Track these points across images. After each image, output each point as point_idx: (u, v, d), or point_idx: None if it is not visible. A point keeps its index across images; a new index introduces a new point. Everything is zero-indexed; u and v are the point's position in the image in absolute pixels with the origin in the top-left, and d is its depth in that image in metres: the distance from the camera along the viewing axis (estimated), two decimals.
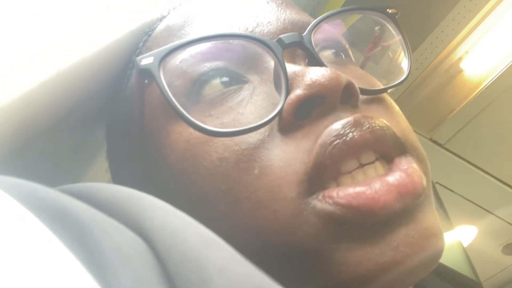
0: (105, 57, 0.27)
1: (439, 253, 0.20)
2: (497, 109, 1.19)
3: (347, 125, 0.20)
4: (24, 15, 0.23)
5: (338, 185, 0.20)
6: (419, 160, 0.23)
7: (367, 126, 0.20)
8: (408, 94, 1.22)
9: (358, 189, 0.19)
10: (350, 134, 0.20)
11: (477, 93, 1.18)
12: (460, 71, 1.18)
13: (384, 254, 0.19)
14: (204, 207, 0.22)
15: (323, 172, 0.20)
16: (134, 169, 0.28)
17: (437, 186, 1.32)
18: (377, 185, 0.19)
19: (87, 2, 0.27)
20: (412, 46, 1.10)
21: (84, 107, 0.29)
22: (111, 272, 0.12)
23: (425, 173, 0.22)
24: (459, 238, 1.08)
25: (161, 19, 0.30)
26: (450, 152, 1.31)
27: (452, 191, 1.36)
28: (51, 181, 0.18)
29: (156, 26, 0.29)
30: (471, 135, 1.25)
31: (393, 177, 0.20)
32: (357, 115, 0.21)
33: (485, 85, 1.16)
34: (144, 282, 0.12)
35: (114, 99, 0.30)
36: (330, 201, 0.19)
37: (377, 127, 0.21)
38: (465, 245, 1.11)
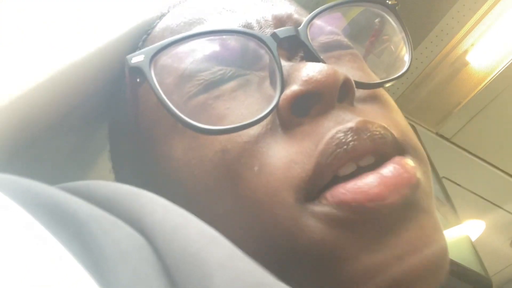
0: (106, 55, 0.27)
1: (443, 259, 0.20)
2: (504, 102, 1.17)
3: (349, 132, 0.20)
4: (23, 14, 0.23)
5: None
6: (418, 159, 0.22)
7: (368, 134, 0.20)
8: (413, 88, 1.21)
9: (348, 185, 0.19)
10: (352, 142, 0.19)
11: (483, 86, 1.17)
12: (466, 64, 1.17)
13: (387, 261, 0.19)
14: (207, 201, 0.22)
15: (321, 177, 0.20)
16: (136, 166, 0.28)
17: (444, 180, 1.31)
18: (368, 179, 0.19)
19: (87, 0, 0.27)
20: (417, 39, 1.09)
21: (85, 106, 0.29)
22: (109, 268, 0.12)
23: (424, 172, 0.22)
24: (467, 232, 1.07)
25: (160, 18, 0.29)
26: (457, 146, 1.30)
27: (459, 185, 1.35)
28: (53, 182, 0.18)
29: (155, 25, 0.29)
30: (478, 128, 1.24)
31: (387, 169, 0.19)
32: (359, 122, 0.20)
33: (492, 78, 1.15)
34: (143, 277, 0.12)
35: (114, 97, 0.30)
36: (325, 202, 0.19)
37: (378, 135, 0.20)
38: (473, 240, 1.10)
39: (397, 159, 0.20)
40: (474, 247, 1.01)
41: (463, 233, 1.04)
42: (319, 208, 0.19)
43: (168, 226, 0.14)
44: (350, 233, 0.19)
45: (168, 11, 0.29)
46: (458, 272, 0.85)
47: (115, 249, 0.13)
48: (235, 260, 0.13)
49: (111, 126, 0.31)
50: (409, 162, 0.20)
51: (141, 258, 0.13)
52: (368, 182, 0.19)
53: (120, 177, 0.31)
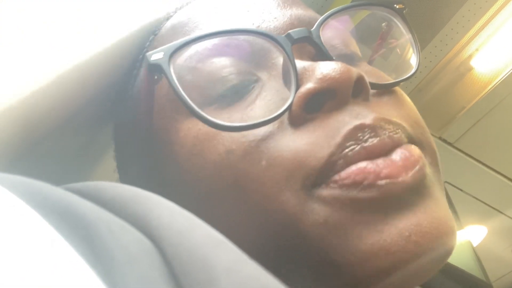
0: (112, 56, 0.27)
1: (451, 245, 0.20)
2: (508, 107, 1.17)
3: (367, 130, 0.20)
4: (31, 17, 0.23)
5: None
6: (426, 151, 0.23)
7: (387, 134, 0.20)
8: (417, 92, 1.21)
9: (360, 164, 0.19)
10: (370, 139, 0.20)
11: (487, 91, 1.17)
12: (470, 69, 1.17)
13: (396, 243, 0.18)
14: (212, 203, 0.22)
15: (333, 168, 0.20)
16: (142, 167, 0.28)
17: (446, 185, 1.30)
18: (379, 160, 0.19)
19: (93, 1, 0.27)
20: (422, 44, 1.09)
21: (92, 106, 0.30)
22: (117, 271, 0.12)
23: (431, 164, 0.22)
24: (469, 238, 1.07)
25: (167, 18, 0.30)
26: (460, 151, 1.29)
27: (461, 190, 1.35)
28: (59, 181, 0.18)
29: (163, 26, 0.29)
30: (481, 133, 1.24)
31: (395, 154, 0.20)
32: (376, 118, 0.20)
33: (496, 83, 1.14)
34: (150, 281, 0.12)
35: (121, 98, 0.30)
36: (335, 185, 0.19)
37: (395, 133, 0.21)
38: (474, 245, 1.10)
39: (404, 145, 0.21)
40: (475, 253, 1.01)
41: (464, 239, 1.03)
42: (326, 191, 0.19)
43: (175, 229, 0.14)
44: (355, 214, 0.19)
45: (176, 12, 0.30)
46: (459, 277, 0.85)
47: (123, 253, 0.13)
48: (241, 265, 0.13)
49: (117, 126, 0.32)
50: (415, 148, 0.21)
51: (148, 262, 0.13)
52: (379, 164, 0.19)
53: (124, 177, 0.32)
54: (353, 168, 0.19)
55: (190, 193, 0.23)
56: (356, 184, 0.19)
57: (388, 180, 0.19)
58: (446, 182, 1.31)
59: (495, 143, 1.26)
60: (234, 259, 0.13)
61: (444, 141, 1.28)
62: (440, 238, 0.19)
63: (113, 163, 0.33)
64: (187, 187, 0.23)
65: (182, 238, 0.14)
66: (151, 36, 0.29)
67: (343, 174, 0.19)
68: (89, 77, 0.26)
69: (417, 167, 0.20)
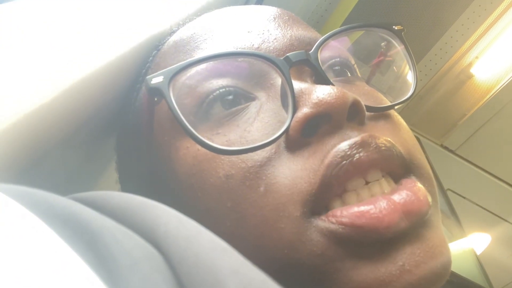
0: (115, 69, 0.28)
1: (445, 271, 0.20)
2: (509, 114, 1.17)
3: (354, 145, 0.20)
4: (37, 28, 0.23)
5: (343, 203, 0.21)
6: (424, 179, 0.23)
7: (374, 146, 0.20)
8: (418, 100, 1.21)
9: (363, 208, 0.19)
10: (357, 155, 0.20)
11: (488, 98, 1.17)
12: (471, 76, 1.17)
13: (390, 273, 0.19)
14: (210, 221, 0.22)
15: (328, 192, 0.20)
16: (142, 180, 0.28)
17: (449, 192, 1.30)
18: (382, 204, 0.19)
19: (97, 15, 0.27)
20: (421, 52, 1.10)
21: (96, 119, 0.30)
22: (120, 276, 0.12)
23: (431, 192, 0.22)
24: (472, 246, 1.06)
25: (170, 34, 0.30)
26: (462, 158, 1.29)
27: (464, 197, 1.34)
28: (65, 192, 0.18)
29: (165, 41, 0.29)
30: (482, 140, 1.23)
31: (399, 196, 0.20)
32: (364, 135, 0.21)
33: (496, 90, 1.15)
34: (152, 285, 0.13)
35: (124, 111, 0.30)
36: (334, 220, 0.20)
37: (384, 147, 0.21)
38: (478, 253, 1.09)
39: (409, 184, 0.21)
40: (479, 261, 1.00)
41: (468, 246, 1.03)
42: (324, 224, 0.20)
43: (182, 236, 0.15)
44: (352, 249, 0.20)
45: (178, 28, 0.30)
46: (462, 286, 0.84)
47: (126, 258, 0.13)
48: (247, 268, 0.14)
49: (120, 138, 0.32)
50: (421, 187, 0.21)
51: (151, 266, 0.13)
52: (382, 208, 0.19)
53: (126, 188, 0.32)
54: (355, 210, 0.19)
55: (189, 208, 0.23)
56: (355, 226, 0.19)
57: (389, 229, 0.19)
58: (448, 189, 1.31)
59: (497, 149, 1.25)
60: (240, 263, 0.14)
61: (446, 148, 1.28)
62: (435, 267, 0.19)
63: (115, 174, 0.33)
64: (186, 203, 0.23)
65: (189, 243, 0.14)
66: (154, 51, 0.30)
67: (345, 213, 0.19)
68: (95, 90, 0.26)
69: (420, 213, 0.20)
